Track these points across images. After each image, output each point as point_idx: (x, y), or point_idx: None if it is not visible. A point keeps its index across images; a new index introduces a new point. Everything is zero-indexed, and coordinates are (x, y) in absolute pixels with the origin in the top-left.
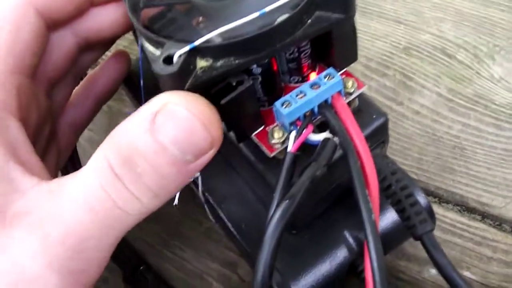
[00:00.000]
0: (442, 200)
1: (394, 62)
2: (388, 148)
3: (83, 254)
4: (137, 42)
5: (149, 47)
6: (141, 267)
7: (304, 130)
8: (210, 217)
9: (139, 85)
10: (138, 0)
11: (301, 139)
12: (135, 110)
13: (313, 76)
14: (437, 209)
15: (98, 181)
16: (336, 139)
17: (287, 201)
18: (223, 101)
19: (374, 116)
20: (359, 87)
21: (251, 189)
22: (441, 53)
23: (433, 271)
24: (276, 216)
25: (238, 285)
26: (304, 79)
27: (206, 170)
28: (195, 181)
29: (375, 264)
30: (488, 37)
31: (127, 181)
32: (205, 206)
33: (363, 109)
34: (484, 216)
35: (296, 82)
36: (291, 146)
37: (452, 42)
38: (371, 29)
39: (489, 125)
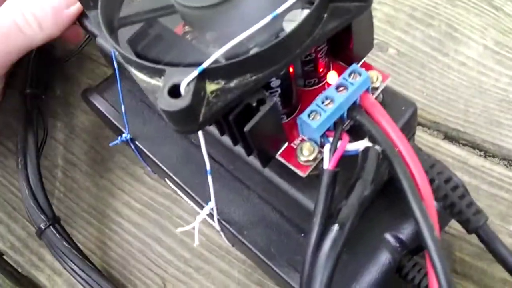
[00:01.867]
0: (488, 153)
1: (439, 13)
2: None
3: None
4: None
5: (139, 75)
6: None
7: (339, 142)
8: (227, 241)
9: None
10: (112, 18)
11: (338, 153)
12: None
13: (331, 76)
14: (484, 163)
15: (10, 15)
16: (377, 147)
17: (337, 229)
18: (247, 128)
19: (403, 108)
20: (383, 79)
21: (272, 208)
22: (487, 5)
23: None
24: (326, 247)
25: None
26: (321, 80)
27: (220, 197)
28: (210, 212)
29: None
30: None
31: (28, 16)
32: (221, 234)
33: (389, 101)
34: None
35: (312, 85)
36: (327, 163)
37: None
38: None
39: None
